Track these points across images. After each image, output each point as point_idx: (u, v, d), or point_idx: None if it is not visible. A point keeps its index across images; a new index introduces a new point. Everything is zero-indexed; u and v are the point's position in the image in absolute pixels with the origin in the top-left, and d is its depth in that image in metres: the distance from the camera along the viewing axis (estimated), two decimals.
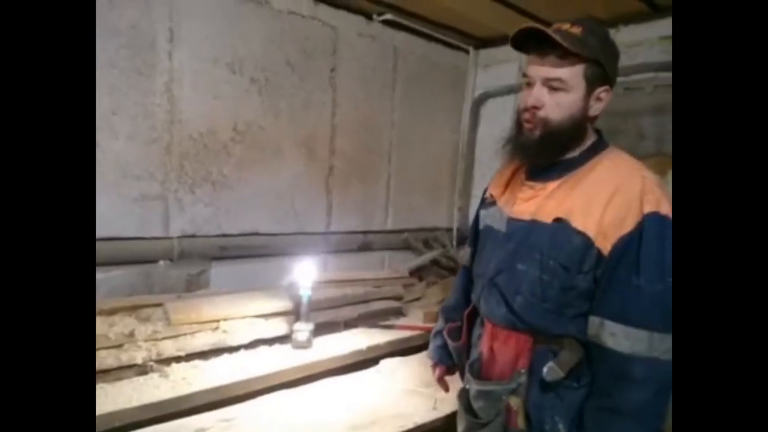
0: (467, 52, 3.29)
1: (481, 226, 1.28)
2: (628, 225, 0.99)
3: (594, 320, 1.03)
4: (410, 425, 1.57)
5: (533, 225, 1.10)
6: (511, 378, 1.12)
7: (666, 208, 0.99)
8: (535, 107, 1.06)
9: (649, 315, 0.97)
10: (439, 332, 1.43)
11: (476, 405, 1.19)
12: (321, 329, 2.07)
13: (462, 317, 1.33)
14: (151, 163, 2.07)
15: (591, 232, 1.01)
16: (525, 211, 1.13)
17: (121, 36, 1.92)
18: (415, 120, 3.10)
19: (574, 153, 1.11)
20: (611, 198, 1.02)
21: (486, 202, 1.29)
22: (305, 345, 1.93)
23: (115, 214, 1.99)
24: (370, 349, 2.04)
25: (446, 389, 1.47)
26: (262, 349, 1.90)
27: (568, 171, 1.10)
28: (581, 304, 1.05)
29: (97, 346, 1.53)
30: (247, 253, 2.41)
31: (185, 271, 2.18)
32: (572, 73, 1.03)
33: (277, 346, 1.94)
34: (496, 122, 3.13)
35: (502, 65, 3.19)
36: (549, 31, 1.02)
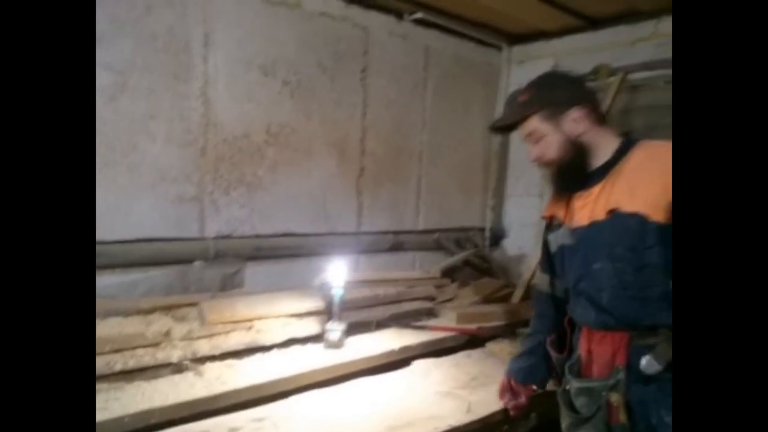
0: (500, 48, 3.24)
1: (554, 249, 1.43)
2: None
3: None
4: (444, 427, 1.54)
5: (593, 226, 1.25)
6: (609, 375, 1.21)
7: None
8: (537, 159, 1.34)
9: None
10: (525, 353, 1.59)
11: (577, 402, 1.29)
12: (353, 329, 2.07)
13: (548, 335, 1.51)
14: (187, 165, 2.12)
15: (642, 209, 1.14)
16: (583, 218, 1.28)
17: (157, 40, 1.97)
18: (447, 119, 3.07)
19: (606, 157, 1.27)
20: (650, 175, 1.15)
21: (552, 225, 1.44)
22: (337, 345, 1.94)
23: (152, 215, 2.04)
24: (402, 349, 2.02)
25: (525, 403, 1.60)
26: (295, 349, 1.91)
27: (606, 173, 1.26)
28: (663, 281, 1.12)
29: (135, 344, 1.57)
30: (280, 253, 2.43)
31: (220, 271, 2.22)
32: (534, 125, 1.31)
33: (309, 346, 1.94)
34: None
35: (537, 61, 3.12)
36: (501, 121, 1.40)
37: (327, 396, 1.68)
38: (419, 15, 2.69)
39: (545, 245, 1.51)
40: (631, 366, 1.17)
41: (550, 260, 1.50)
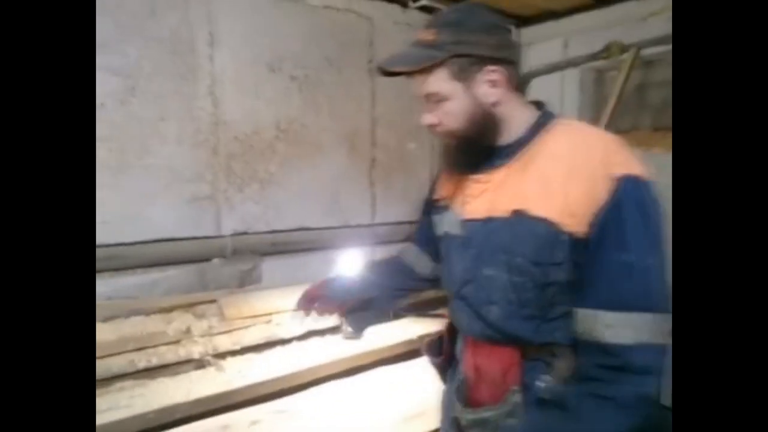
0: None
1: (440, 232, 1.15)
2: (601, 196, 0.85)
3: (585, 314, 0.88)
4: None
5: (490, 223, 0.98)
6: (504, 399, 0.98)
7: (638, 169, 0.87)
8: (432, 125, 1.02)
9: (648, 294, 0.83)
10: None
11: None
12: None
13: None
14: (200, 165, 2.14)
15: (554, 216, 0.89)
16: (478, 209, 1.01)
17: (163, 43, 1.99)
18: None
19: (517, 134, 0.99)
20: (570, 171, 0.89)
21: (438, 206, 1.16)
22: (355, 335, 1.95)
23: (169, 216, 2.07)
24: (420, 338, 2.03)
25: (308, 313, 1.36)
26: (314, 341, 1.94)
27: (514, 154, 0.98)
28: (566, 300, 0.91)
29: (157, 342, 1.61)
30: (296, 247, 2.45)
31: (238, 267, 2.25)
32: (438, 82, 0.97)
33: (328, 337, 1.97)
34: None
35: (546, 43, 3.07)
36: (393, 65, 1.02)
37: (345, 387, 1.71)
38: (424, 2, 2.66)
39: (429, 223, 1.21)
40: (526, 386, 0.96)
41: (428, 237, 1.22)
